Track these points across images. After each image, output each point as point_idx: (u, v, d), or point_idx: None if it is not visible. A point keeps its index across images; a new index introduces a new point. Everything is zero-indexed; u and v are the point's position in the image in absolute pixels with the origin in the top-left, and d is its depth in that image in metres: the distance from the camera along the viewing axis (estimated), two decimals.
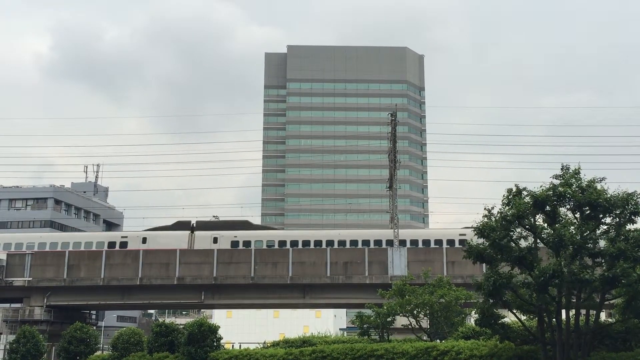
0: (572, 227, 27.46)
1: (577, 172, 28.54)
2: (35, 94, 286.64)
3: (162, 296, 47.96)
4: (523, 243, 28.92)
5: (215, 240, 55.16)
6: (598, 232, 28.22)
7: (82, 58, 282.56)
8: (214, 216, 71.58)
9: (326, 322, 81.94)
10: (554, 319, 28.65)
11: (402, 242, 54.27)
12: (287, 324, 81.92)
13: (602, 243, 27.81)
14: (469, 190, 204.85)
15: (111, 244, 56.65)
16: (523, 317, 31.44)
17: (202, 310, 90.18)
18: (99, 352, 41.48)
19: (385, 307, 35.73)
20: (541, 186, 28.37)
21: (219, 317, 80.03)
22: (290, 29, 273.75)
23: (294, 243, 55.56)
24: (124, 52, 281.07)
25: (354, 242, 56.01)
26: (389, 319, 36.08)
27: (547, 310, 28.49)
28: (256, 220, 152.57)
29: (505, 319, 30.96)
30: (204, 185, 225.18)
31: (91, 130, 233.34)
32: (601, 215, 28.06)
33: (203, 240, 55.30)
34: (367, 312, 38.99)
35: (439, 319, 35.59)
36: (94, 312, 60.80)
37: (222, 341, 36.81)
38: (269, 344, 39.04)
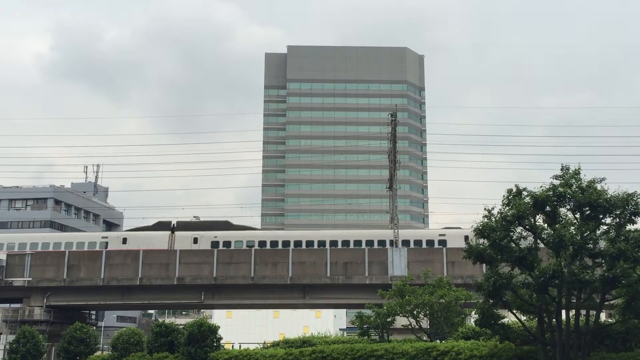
0: (572, 228, 27.45)
1: (577, 172, 28.55)
2: (36, 94, 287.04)
3: (162, 296, 47.96)
4: (523, 243, 28.90)
5: (195, 240, 55.24)
6: (598, 232, 28.21)
7: (82, 58, 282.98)
8: (194, 216, 71.81)
9: (326, 323, 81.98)
10: (554, 320, 28.65)
11: (382, 243, 54.69)
12: (287, 324, 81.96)
13: (602, 243, 27.78)
14: (469, 191, 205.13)
15: (91, 244, 56.70)
16: (523, 318, 31.43)
17: (202, 310, 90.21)
18: (98, 352, 41.46)
19: (385, 308, 35.72)
20: (541, 186, 28.41)
21: (219, 318, 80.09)
22: (290, 29, 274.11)
23: (274, 243, 55.58)
24: (124, 52, 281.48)
25: (333, 243, 55.96)
26: (389, 319, 36.07)
27: (547, 310, 28.49)
28: (256, 220, 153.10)
29: (505, 320, 30.95)
30: (204, 185, 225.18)
31: (91, 131, 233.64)
32: (601, 216, 28.06)
33: (183, 240, 55.36)
34: (367, 312, 38.98)
35: (439, 319, 35.58)
36: (93, 312, 60.80)
37: (222, 341, 36.80)
38: (268, 344, 39.02)
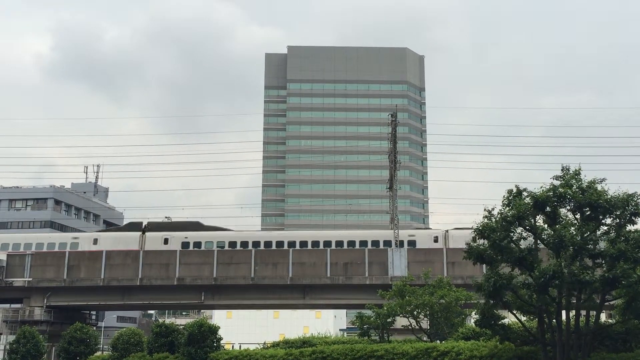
0: (572, 228, 27.47)
1: (577, 173, 28.55)
2: (36, 94, 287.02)
3: (162, 297, 47.99)
4: (523, 244, 28.91)
5: (166, 241, 55.39)
6: (598, 233, 28.22)
7: (82, 58, 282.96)
8: (166, 217, 72.24)
9: (326, 323, 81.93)
10: (554, 320, 28.66)
11: (352, 243, 54.56)
12: (287, 324, 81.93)
13: (602, 244, 27.79)
14: (469, 191, 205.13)
15: (62, 245, 56.86)
16: (523, 318, 31.44)
17: (202, 310, 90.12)
18: (98, 353, 41.49)
19: (385, 308, 35.74)
20: (541, 187, 28.42)
21: (219, 318, 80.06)
22: (291, 29, 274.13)
23: (244, 244, 55.51)
24: (124, 52, 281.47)
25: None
26: (389, 320, 36.09)
27: (548, 311, 28.49)
28: (256, 221, 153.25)
29: (506, 320, 30.95)
30: (205, 185, 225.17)
31: (91, 131, 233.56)
32: (601, 216, 28.07)
33: (154, 241, 55.50)
34: (367, 312, 38.98)
35: (439, 319, 35.58)
36: (94, 312, 60.81)
37: (222, 342, 36.82)
38: (269, 345, 39.03)
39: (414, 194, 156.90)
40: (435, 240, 53.54)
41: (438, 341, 34.60)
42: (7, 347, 40.65)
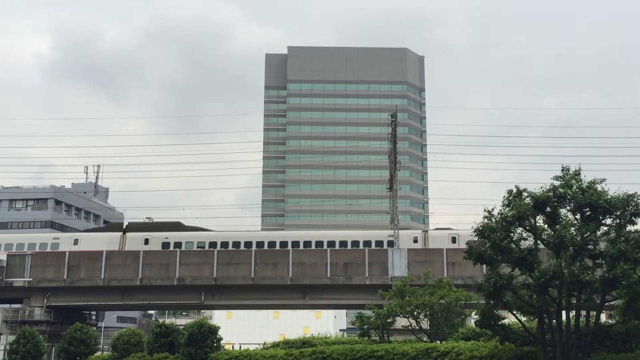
0: (572, 229, 27.48)
1: (577, 173, 28.56)
2: (36, 94, 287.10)
3: (162, 297, 47.99)
4: (523, 244, 28.92)
5: (146, 241, 55.53)
6: (598, 233, 28.22)
7: (82, 58, 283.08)
8: (147, 217, 72.53)
9: (326, 323, 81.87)
10: (554, 320, 28.65)
11: (331, 244, 54.69)
12: (287, 324, 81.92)
13: (602, 244, 27.80)
14: (469, 191, 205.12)
15: (42, 245, 56.96)
16: (523, 318, 31.44)
17: (202, 311, 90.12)
18: (99, 353, 41.49)
19: (385, 308, 35.73)
20: (541, 187, 28.44)
21: (219, 318, 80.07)
22: (290, 29, 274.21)
23: (224, 244, 55.60)
24: (124, 52, 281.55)
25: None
26: (389, 320, 36.07)
27: (548, 311, 28.49)
28: (257, 221, 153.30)
29: (506, 320, 30.95)
30: (205, 185, 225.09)
31: (91, 131, 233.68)
32: (601, 217, 28.07)
33: (134, 241, 55.65)
34: (367, 313, 38.97)
35: (439, 320, 35.58)
36: (94, 312, 60.81)
37: (222, 342, 36.82)
38: (269, 345, 39.03)
39: (414, 194, 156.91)
40: (415, 240, 53.62)
41: (438, 341, 34.59)
42: (7, 347, 40.66)
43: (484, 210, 28.98)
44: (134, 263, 47.16)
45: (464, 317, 37.62)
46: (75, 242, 56.74)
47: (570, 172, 28.73)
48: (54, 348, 42.03)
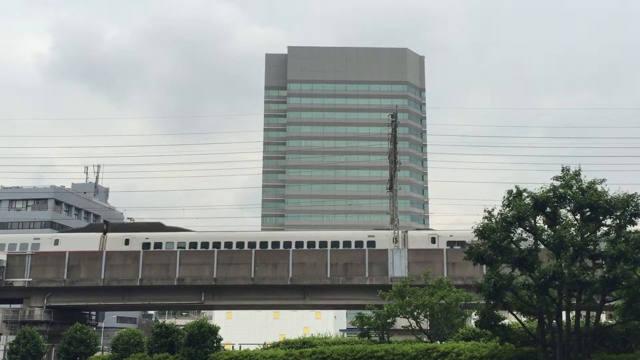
0: (572, 229, 27.48)
1: (577, 173, 28.56)
2: (36, 94, 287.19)
3: (162, 297, 47.98)
4: (523, 244, 28.92)
5: (127, 241, 55.52)
6: (598, 233, 28.22)
7: (82, 58, 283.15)
8: (129, 218, 72.65)
9: (326, 323, 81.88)
10: (554, 321, 28.65)
11: (312, 244, 54.56)
12: (287, 325, 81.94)
13: (602, 245, 27.80)
14: (469, 192, 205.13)
15: (23, 246, 56.93)
16: (523, 319, 31.43)
17: (202, 311, 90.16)
18: (99, 353, 41.49)
19: (385, 309, 35.73)
20: (541, 187, 28.43)
21: (219, 318, 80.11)
22: (290, 29, 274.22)
23: (205, 244, 55.47)
24: (124, 52, 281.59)
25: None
26: (389, 320, 36.06)
27: (548, 311, 28.49)
28: (257, 221, 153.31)
29: (506, 321, 30.94)
30: (205, 186, 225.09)
31: (91, 131, 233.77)
32: (601, 217, 28.06)
33: (115, 241, 55.61)
34: (367, 313, 38.98)
35: (439, 320, 35.58)
36: (94, 313, 60.83)
37: (222, 342, 36.80)
38: (269, 345, 39.03)
39: (414, 195, 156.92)
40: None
41: (438, 342, 34.59)
42: (7, 347, 40.65)
43: (484, 210, 29.01)
44: (134, 263, 47.15)
45: (464, 317, 37.62)
46: (56, 242, 56.62)
47: (571, 172, 28.72)
48: (54, 348, 42.03)
